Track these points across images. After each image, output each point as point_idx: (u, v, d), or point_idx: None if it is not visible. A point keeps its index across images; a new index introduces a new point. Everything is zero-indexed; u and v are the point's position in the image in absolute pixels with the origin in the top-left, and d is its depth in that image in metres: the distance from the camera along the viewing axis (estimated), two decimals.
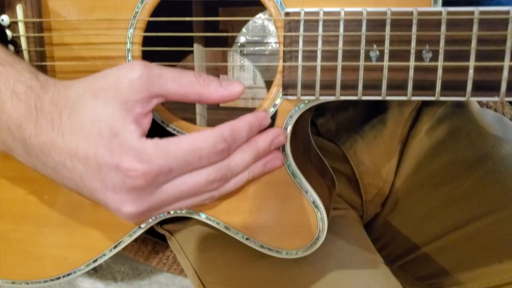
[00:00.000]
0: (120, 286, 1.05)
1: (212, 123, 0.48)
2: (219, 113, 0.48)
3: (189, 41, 0.43)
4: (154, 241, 0.57)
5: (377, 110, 0.47)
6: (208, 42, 0.45)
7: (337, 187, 0.45)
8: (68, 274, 0.41)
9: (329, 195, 0.40)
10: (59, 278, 0.42)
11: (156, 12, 0.34)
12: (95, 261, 0.40)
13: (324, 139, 0.47)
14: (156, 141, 0.27)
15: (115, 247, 0.39)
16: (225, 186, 0.31)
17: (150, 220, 0.37)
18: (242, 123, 0.29)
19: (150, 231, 0.53)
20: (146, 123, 0.28)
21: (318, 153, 0.42)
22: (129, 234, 0.38)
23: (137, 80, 0.27)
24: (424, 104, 0.49)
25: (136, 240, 0.64)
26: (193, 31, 0.43)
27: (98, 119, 0.26)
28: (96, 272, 1.06)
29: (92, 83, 0.28)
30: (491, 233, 0.42)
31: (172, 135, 0.35)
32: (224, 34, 0.44)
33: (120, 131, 0.26)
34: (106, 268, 1.06)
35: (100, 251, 0.39)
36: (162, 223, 0.48)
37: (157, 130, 0.35)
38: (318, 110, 0.47)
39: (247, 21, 0.43)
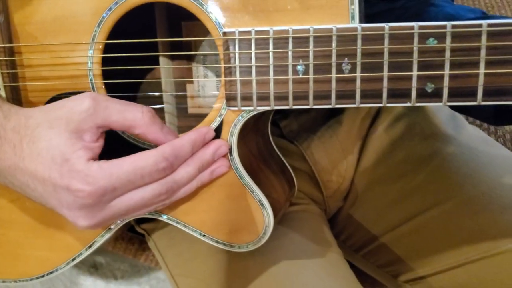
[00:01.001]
0: (120, 283, 1.09)
1: (182, 130, 0.52)
2: (189, 119, 0.52)
3: (155, 56, 0.46)
4: (140, 239, 0.61)
5: (335, 111, 0.50)
6: (173, 56, 0.48)
7: (298, 184, 0.49)
8: (51, 272, 0.45)
9: (285, 192, 0.43)
10: (43, 276, 0.46)
11: (121, 25, 0.37)
12: (73, 259, 0.44)
13: (286, 140, 0.50)
14: (101, 163, 0.30)
15: (90, 246, 0.42)
16: (175, 195, 0.34)
17: (118, 221, 0.40)
18: (184, 141, 0.33)
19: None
20: (97, 147, 0.31)
21: (278, 154, 0.45)
22: (101, 235, 0.42)
23: (84, 112, 0.30)
24: None
25: (123, 239, 0.69)
26: (158, 47, 0.46)
27: (52, 147, 0.30)
28: (96, 271, 1.11)
29: (49, 112, 0.32)
30: (437, 223, 0.45)
31: (132, 145, 0.39)
32: (184, 53, 0.47)
33: (70, 157, 0.30)
34: (107, 266, 1.11)
35: (77, 251, 0.43)
36: (140, 222, 0.52)
37: (119, 141, 0.39)
38: (281, 113, 0.51)
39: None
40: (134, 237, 0.61)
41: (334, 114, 0.50)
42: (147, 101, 0.50)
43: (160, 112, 0.49)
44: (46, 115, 0.31)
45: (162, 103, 0.48)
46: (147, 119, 0.32)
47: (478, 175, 0.45)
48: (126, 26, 0.37)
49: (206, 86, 0.49)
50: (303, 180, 0.49)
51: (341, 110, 0.50)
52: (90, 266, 1.12)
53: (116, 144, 0.38)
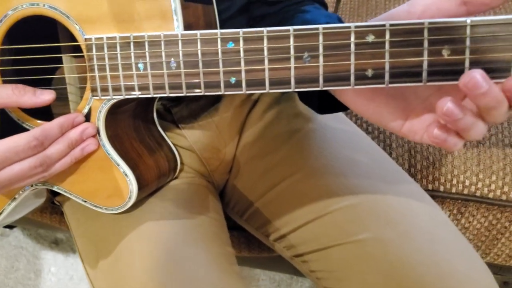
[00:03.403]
0: (77, 256, 1.17)
1: None
2: None
3: (57, 53, 0.53)
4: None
5: (216, 101, 0.58)
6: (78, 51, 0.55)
7: (186, 160, 0.57)
8: None
9: (159, 166, 0.51)
10: None
11: (27, 30, 0.44)
12: None
13: (174, 124, 0.57)
14: None
15: (0, 213, 0.50)
16: (53, 168, 0.42)
17: (21, 192, 0.48)
18: (53, 124, 0.40)
19: None
20: None
21: (161, 134, 0.53)
22: (8, 204, 0.49)
23: None
24: (261, 94, 0.60)
25: (47, 209, 0.77)
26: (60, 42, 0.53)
27: None
28: (57, 246, 1.19)
29: None
30: (291, 190, 0.54)
31: (26, 130, 0.46)
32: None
33: None
34: (66, 242, 1.19)
35: None
36: (55, 195, 0.59)
37: (16, 126, 0.46)
38: (175, 101, 0.58)
39: None
40: (56, 207, 0.69)
41: (215, 102, 0.57)
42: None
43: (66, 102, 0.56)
44: None
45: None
46: (17, 92, 0.39)
47: (321, 149, 0.53)
48: (33, 31, 0.44)
49: None
50: (189, 158, 0.57)
51: (219, 100, 0.57)
52: (51, 242, 1.21)
53: (8, 127, 0.45)
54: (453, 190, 0.65)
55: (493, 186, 0.64)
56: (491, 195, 0.64)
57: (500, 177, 0.64)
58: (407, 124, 0.36)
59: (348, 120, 0.59)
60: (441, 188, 0.65)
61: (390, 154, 0.67)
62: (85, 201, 0.47)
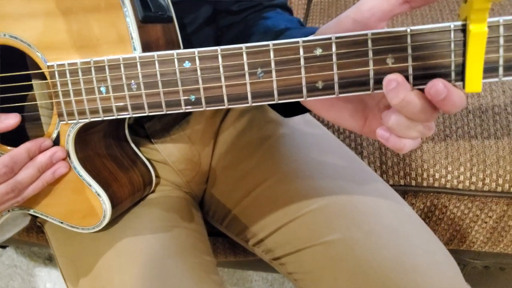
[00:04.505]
0: None
1: None
2: None
3: (27, 80, 0.53)
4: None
5: (187, 114, 0.58)
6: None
7: (161, 174, 0.57)
8: None
9: (133, 183, 0.51)
10: None
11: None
12: None
13: (147, 139, 0.58)
14: None
15: None
16: (25, 192, 0.42)
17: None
18: (21, 149, 0.41)
19: None
20: None
21: (134, 151, 0.53)
22: None
23: None
24: None
25: (32, 229, 0.78)
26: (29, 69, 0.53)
27: None
28: (51, 262, 1.19)
29: None
30: (265, 196, 0.55)
31: None
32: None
33: None
34: None
35: None
36: (36, 217, 0.60)
37: None
38: (147, 117, 0.58)
39: None
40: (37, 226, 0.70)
41: (186, 115, 0.58)
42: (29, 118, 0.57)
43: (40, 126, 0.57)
44: None
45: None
46: None
47: (291, 153, 0.54)
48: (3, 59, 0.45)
49: None
50: (165, 171, 0.58)
51: (190, 113, 0.58)
52: (45, 258, 1.21)
53: None
54: (424, 184, 0.66)
55: (462, 178, 0.65)
56: (460, 186, 0.66)
57: (467, 168, 0.65)
58: (366, 124, 0.37)
59: (318, 123, 0.60)
60: (413, 183, 0.67)
61: (361, 152, 0.68)
62: (62, 222, 0.47)
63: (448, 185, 0.66)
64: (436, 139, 0.68)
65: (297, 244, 0.50)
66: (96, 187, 0.45)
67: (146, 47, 0.42)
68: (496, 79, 0.34)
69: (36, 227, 0.77)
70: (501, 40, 0.32)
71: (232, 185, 0.59)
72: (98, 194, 0.45)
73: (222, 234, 0.65)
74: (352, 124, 0.38)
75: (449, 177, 0.66)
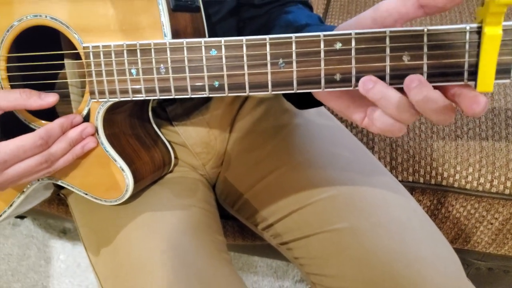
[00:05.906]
0: None
1: None
2: None
3: (60, 59, 0.56)
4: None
5: (208, 100, 0.61)
6: (76, 59, 0.58)
7: (179, 155, 0.60)
8: None
9: (154, 161, 0.54)
10: None
11: (30, 38, 0.47)
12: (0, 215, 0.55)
13: (168, 122, 0.60)
14: None
15: (11, 206, 0.53)
16: (57, 164, 0.45)
17: (28, 185, 0.51)
18: (54, 125, 0.44)
19: None
20: None
21: (156, 132, 0.56)
22: (17, 196, 0.53)
23: None
24: None
25: (54, 200, 0.81)
26: (62, 49, 0.56)
27: None
28: (65, 235, 1.23)
29: None
30: (277, 182, 0.57)
31: (28, 127, 0.49)
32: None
33: None
34: (74, 231, 1.23)
35: (1, 210, 0.54)
36: (60, 188, 0.63)
37: (23, 126, 0.49)
38: (169, 101, 0.61)
39: None
40: (63, 199, 0.73)
41: (207, 101, 0.60)
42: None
43: (69, 103, 0.59)
44: None
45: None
46: (24, 95, 0.42)
47: (304, 144, 0.56)
48: (38, 39, 0.47)
49: None
50: (183, 153, 0.60)
51: (210, 98, 0.60)
52: (60, 231, 1.25)
53: (16, 127, 0.48)
54: (432, 182, 0.68)
55: (470, 178, 0.67)
56: (468, 186, 0.67)
57: (476, 169, 0.66)
58: (366, 118, 0.39)
59: (331, 116, 0.62)
60: (421, 180, 0.68)
61: (372, 147, 0.70)
62: (86, 194, 0.50)
63: (456, 185, 0.67)
64: (446, 138, 0.69)
65: (305, 230, 0.52)
66: (120, 162, 0.48)
67: (175, 34, 0.44)
68: (508, 81, 0.36)
69: (57, 200, 0.81)
70: None
71: (246, 171, 0.61)
72: (122, 169, 0.48)
73: (232, 217, 0.67)
74: (354, 115, 0.39)
75: (457, 176, 0.67)
